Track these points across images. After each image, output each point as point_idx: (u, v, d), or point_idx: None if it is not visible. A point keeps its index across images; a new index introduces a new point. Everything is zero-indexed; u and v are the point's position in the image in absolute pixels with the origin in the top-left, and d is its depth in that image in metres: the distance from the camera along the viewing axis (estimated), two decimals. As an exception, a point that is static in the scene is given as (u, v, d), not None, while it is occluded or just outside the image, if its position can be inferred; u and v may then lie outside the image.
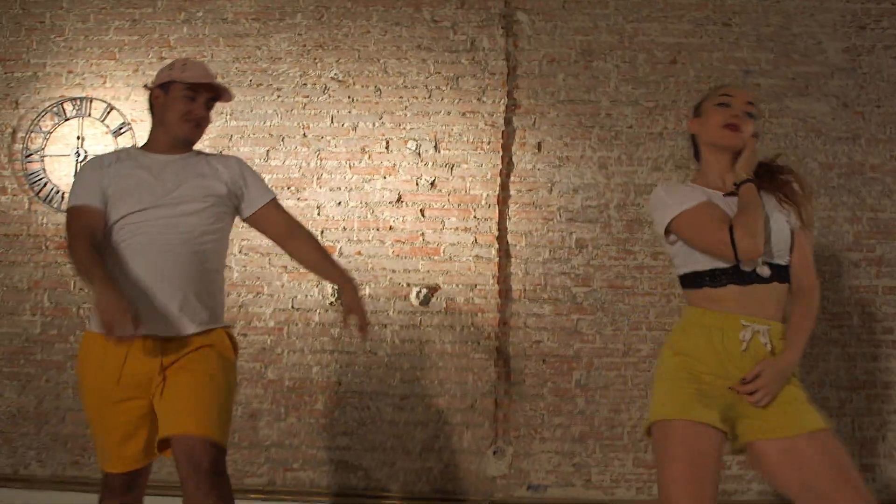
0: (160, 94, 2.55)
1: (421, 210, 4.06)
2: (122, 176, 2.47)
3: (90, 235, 2.39)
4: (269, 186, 2.71)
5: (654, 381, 2.24)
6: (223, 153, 2.57)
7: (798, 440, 2.09)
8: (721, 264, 2.18)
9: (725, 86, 2.45)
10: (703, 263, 2.21)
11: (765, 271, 2.18)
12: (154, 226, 2.42)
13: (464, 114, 4.09)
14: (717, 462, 2.09)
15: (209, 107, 2.59)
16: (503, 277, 4.02)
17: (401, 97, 4.12)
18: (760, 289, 2.18)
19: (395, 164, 4.07)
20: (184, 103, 2.52)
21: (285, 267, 4.02)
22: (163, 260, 2.40)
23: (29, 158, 4.21)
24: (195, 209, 2.47)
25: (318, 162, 4.09)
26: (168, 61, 4.13)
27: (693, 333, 2.20)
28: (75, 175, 2.71)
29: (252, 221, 2.66)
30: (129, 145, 2.66)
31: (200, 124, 2.57)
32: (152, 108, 2.59)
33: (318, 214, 4.06)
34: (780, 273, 2.21)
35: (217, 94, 2.59)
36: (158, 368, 2.39)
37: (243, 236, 4.06)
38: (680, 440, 2.07)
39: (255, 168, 2.75)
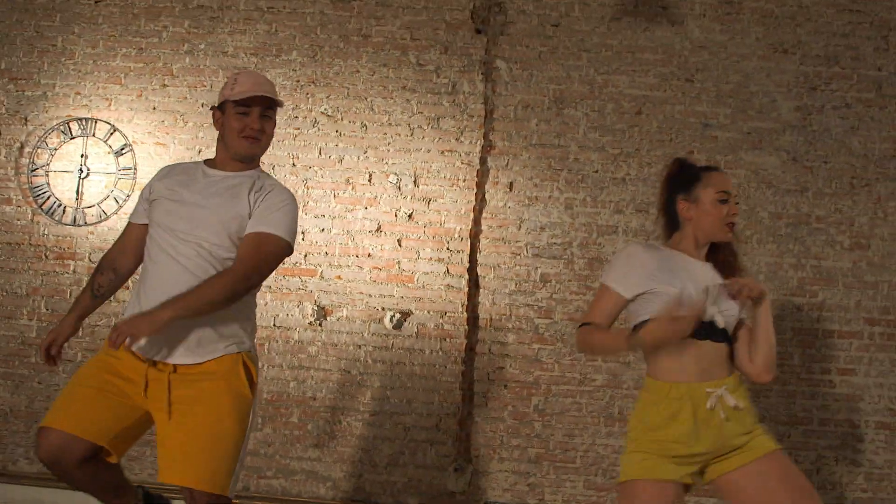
0: (219, 115, 2.55)
1: (398, 240, 4.33)
2: (172, 189, 2.52)
3: (113, 258, 2.68)
4: (285, 230, 2.49)
5: (627, 447, 2.44)
6: (281, 184, 2.61)
7: (756, 463, 2.35)
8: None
9: (716, 172, 2.56)
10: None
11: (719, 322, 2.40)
12: (176, 241, 2.44)
13: (442, 152, 4.37)
14: None
15: (266, 116, 2.53)
16: (471, 306, 4.29)
17: (385, 133, 4.40)
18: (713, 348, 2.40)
19: (376, 196, 4.34)
20: (237, 120, 2.49)
21: (269, 287, 4.27)
22: (174, 279, 2.39)
23: (34, 172, 4.46)
24: (217, 230, 2.44)
25: (306, 190, 4.36)
26: (170, 88, 4.45)
27: (663, 407, 2.37)
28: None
29: None
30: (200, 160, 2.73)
31: (258, 138, 2.52)
32: (216, 126, 2.60)
33: (303, 239, 4.32)
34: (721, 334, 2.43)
35: (272, 101, 2.53)
36: (151, 385, 2.42)
37: (231, 256, 4.34)
38: (645, 499, 2.33)
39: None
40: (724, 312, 2.40)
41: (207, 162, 2.61)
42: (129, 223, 2.70)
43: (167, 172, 2.64)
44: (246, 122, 2.49)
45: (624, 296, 2.44)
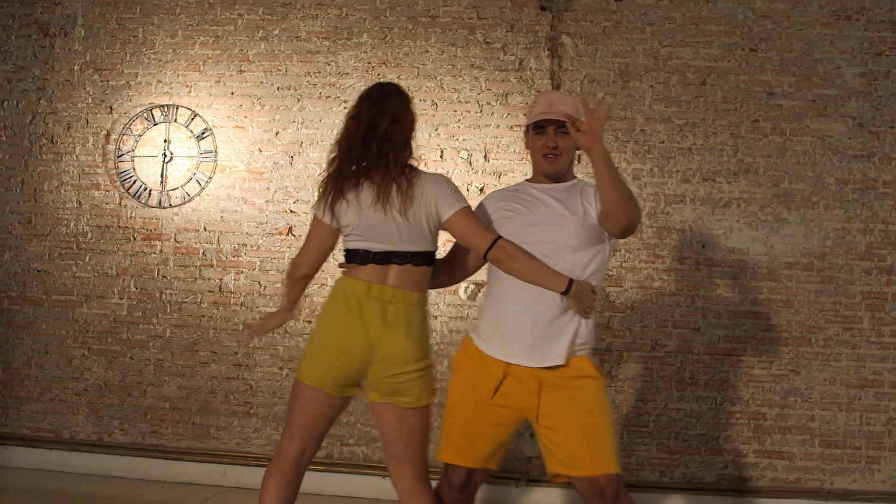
0: (527, 137, 2.83)
1: (470, 213, 4.47)
2: (508, 204, 2.79)
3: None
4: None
5: None
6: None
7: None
8: None
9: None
10: None
11: None
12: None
13: (511, 127, 4.49)
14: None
15: (564, 132, 2.68)
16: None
17: (455, 111, 4.53)
18: None
19: (448, 172, 4.45)
20: (536, 140, 2.75)
21: (348, 261, 4.43)
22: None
23: (121, 158, 4.68)
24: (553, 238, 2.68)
25: (379, 167, 4.50)
26: (247, 74, 4.62)
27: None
28: None
29: None
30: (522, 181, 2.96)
31: (555, 153, 2.71)
32: (526, 146, 2.89)
33: (378, 215, 4.47)
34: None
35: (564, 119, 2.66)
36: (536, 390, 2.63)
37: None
38: None
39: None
40: None
41: (528, 181, 2.89)
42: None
43: (505, 196, 2.90)
44: (543, 141, 2.73)
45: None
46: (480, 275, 4.37)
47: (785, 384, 4.28)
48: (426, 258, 2.66)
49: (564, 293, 2.58)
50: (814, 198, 4.35)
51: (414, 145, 2.70)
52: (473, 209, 2.70)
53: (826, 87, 4.40)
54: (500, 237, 2.61)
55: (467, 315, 4.42)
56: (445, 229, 2.67)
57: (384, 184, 2.57)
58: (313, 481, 4.31)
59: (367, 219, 2.60)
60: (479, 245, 2.60)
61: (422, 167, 4.44)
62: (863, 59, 4.40)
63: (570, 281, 2.57)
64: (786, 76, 4.41)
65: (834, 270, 4.32)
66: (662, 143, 4.43)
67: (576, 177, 2.87)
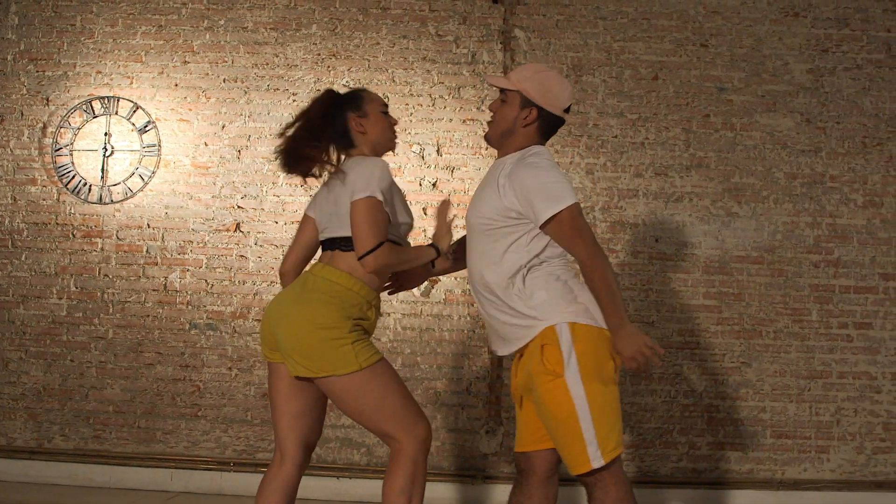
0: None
1: (423, 209, 4.41)
2: None
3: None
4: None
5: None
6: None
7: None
8: None
9: (372, 92, 2.79)
10: None
11: None
12: None
13: (464, 121, 4.44)
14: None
15: (501, 100, 2.63)
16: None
17: (407, 104, 4.46)
18: None
19: (400, 166, 4.40)
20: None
21: (298, 258, 4.33)
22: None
23: (58, 152, 4.48)
24: None
25: (330, 162, 4.41)
26: (192, 65, 4.48)
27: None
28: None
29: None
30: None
31: (490, 121, 2.69)
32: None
33: (329, 210, 4.38)
34: None
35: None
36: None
37: (258, 229, 4.40)
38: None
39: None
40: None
41: None
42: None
43: None
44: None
45: None
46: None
47: (737, 376, 4.33)
48: (344, 243, 2.61)
49: (437, 256, 2.75)
50: (764, 192, 4.40)
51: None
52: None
53: (775, 82, 4.46)
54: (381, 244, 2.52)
55: (420, 311, 4.36)
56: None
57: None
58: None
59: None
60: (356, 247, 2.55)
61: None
62: (810, 55, 4.47)
63: (433, 245, 2.76)
64: (736, 72, 4.46)
65: (783, 264, 4.38)
66: (615, 137, 4.43)
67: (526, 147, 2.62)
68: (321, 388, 2.57)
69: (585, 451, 2.37)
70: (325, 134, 2.67)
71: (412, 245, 2.79)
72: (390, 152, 2.83)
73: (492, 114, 2.66)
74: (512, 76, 2.61)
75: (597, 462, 2.37)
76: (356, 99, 2.72)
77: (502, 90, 2.62)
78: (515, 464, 2.67)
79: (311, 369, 2.49)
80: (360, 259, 2.50)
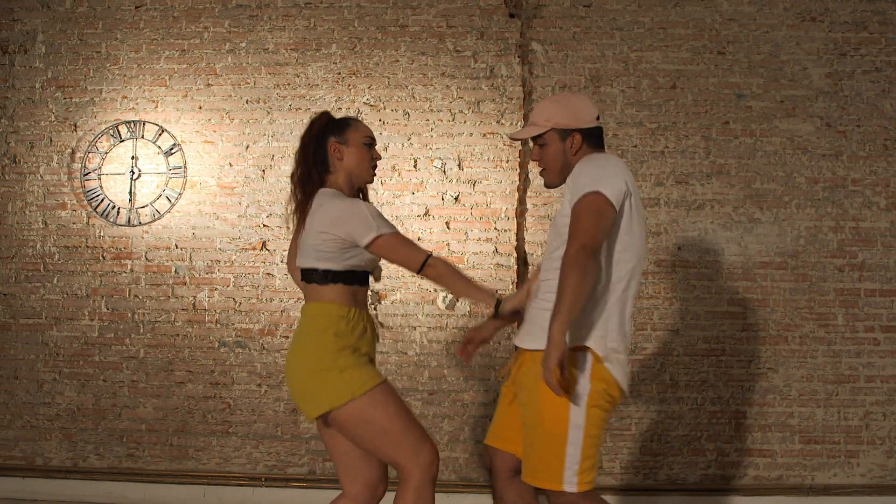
0: None
1: (446, 223, 4.45)
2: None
3: None
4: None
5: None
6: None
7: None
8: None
9: (362, 122, 2.76)
10: None
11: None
12: None
13: (484, 135, 4.48)
14: None
15: (540, 145, 2.65)
16: (521, 283, 4.41)
17: (427, 120, 4.51)
18: None
19: (422, 181, 4.45)
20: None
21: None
22: None
23: (87, 176, 4.57)
24: None
25: (352, 179, 4.46)
26: (215, 87, 4.55)
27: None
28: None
29: None
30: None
31: (542, 167, 2.69)
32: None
33: (353, 227, 4.43)
34: None
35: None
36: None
37: (284, 247, 4.46)
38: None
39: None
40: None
41: None
42: None
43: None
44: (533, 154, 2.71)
45: None
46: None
47: (764, 382, 4.32)
48: (314, 275, 2.63)
49: (495, 304, 2.65)
50: (785, 197, 4.40)
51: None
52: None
53: (793, 87, 4.46)
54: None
55: (446, 325, 4.40)
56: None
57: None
58: (295, 498, 4.29)
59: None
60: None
61: (395, 177, 4.46)
62: (828, 59, 4.47)
63: (498, 298, 2.65)
64: (754, 78, 4.46)
65: (807, 268, 4.37)
66: (635, 146, 4.45)
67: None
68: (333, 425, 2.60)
69: (562, 471, 2.39)
70: (309, 155, 2.68)
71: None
72: (367, 186, 2.79)
73: (538, 162, 2.66)
74: (537, 119, 2.62)
75: (570, 487, 2.39)
76: (342, 125, 2.70)
77: (534, 138, 2.63)
78: (483, 456, 2.76)
79: (313, 409, 2.55)
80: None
